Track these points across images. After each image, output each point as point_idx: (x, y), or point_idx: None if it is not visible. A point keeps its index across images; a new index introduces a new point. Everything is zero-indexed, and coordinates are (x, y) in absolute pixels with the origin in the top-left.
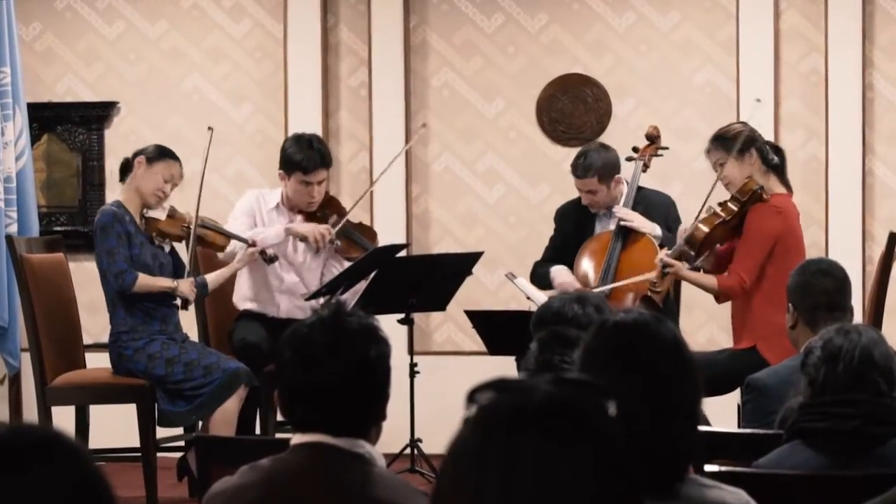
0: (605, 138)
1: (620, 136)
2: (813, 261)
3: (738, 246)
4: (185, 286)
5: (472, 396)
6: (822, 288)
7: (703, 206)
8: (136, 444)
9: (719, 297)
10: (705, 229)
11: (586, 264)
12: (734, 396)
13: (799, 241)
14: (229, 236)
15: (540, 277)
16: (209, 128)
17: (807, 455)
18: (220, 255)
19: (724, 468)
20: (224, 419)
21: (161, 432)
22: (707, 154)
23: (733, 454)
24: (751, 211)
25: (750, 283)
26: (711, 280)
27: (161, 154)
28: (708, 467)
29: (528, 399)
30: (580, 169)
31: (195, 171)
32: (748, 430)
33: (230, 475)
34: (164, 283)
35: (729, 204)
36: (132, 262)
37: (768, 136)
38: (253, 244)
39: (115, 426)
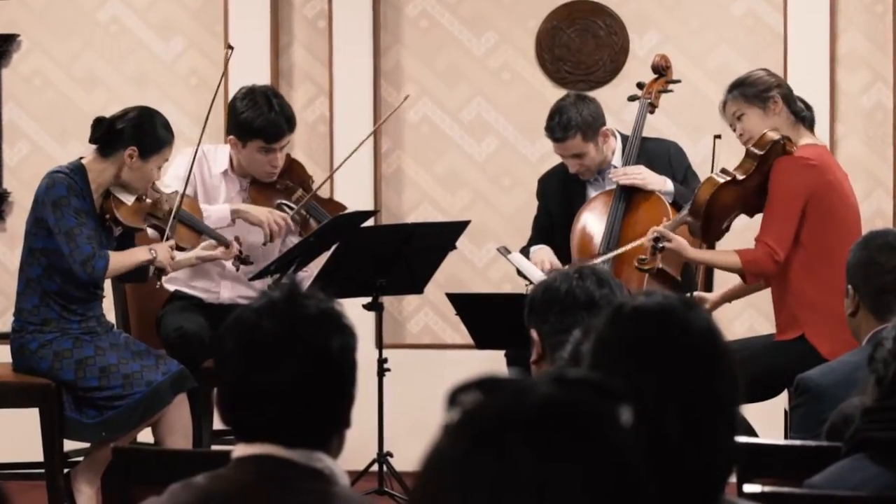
0: (620, 80)
1: (639, 77)
2: (878, 232)
3: (765, 210)
4: (164, 252)
5: (453, 398)
6: (890, 266)
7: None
8: (40, 458)
9: (745, 275)
10: (708, 192)
11: (584, 234)
12: (781, 400)
13: (840, 199)
14: (203, 233)
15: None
16: (229, 46)
17: (872, 471)
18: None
19: (768, 488)
20: (180, 423)
21: (70, 444)
22: (722, 109)
23: (780, 470)
24: (774, 165)
25: (783, 253)
26: (730, 256)
27: (158, 144)
28: (749, 487)
29: (520, 403)
30: (558, 130)
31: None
32: (799, 442)
33: (157, 495)
34: (139, 255)
35: (743, 161)
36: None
37: (822, 78)
38: (228, 246)
39: (13, 436)
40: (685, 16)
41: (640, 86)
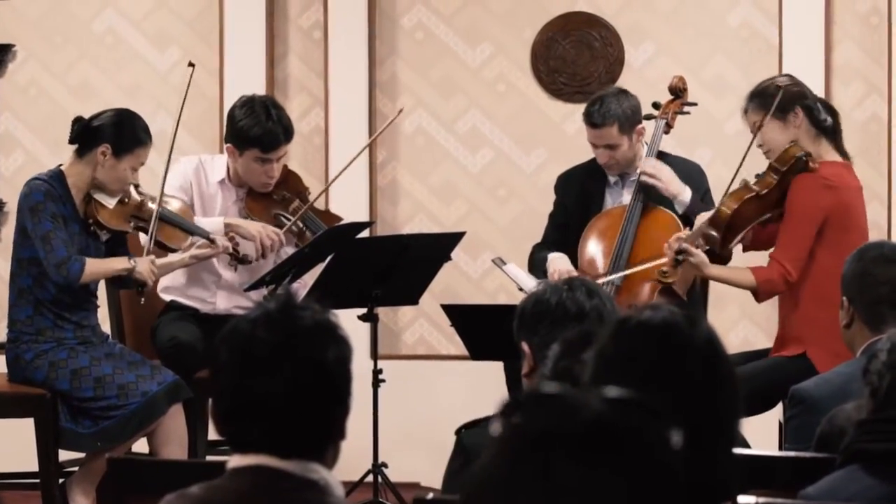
0: None
1: (635, 89)
2: (873, 245)
3: (780, 228)
4: (145, 265)
5: (504, 411)
6: (884, 278)
7: (733, 178)
8: (35, 467)
9: (758, 294)
10: (732, 206)
11: (593, 247)
12: (776, 412)
13: (859, 220)
14: (191, 232)
15: (537, 265)
16: (190, 63)
17: (867, 483)
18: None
19: (762, 499)
20: (176, 433)
21: (65, 455)
22: (744, 115)
23: (775, 482)
24: (793, 183)
25: (797, 274)
26: (745, 274)
27: (131, 143)
28: (743, 498)
29: (569, 419)
30: (597, 116)
31: None
32: (793, 453)
33: None
34: (117, 264)
35: (766, 175)
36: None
37: (817, 89)
38: (213, 241)
39: (8, 446)
40: (680, 27)
41: (656, 106)
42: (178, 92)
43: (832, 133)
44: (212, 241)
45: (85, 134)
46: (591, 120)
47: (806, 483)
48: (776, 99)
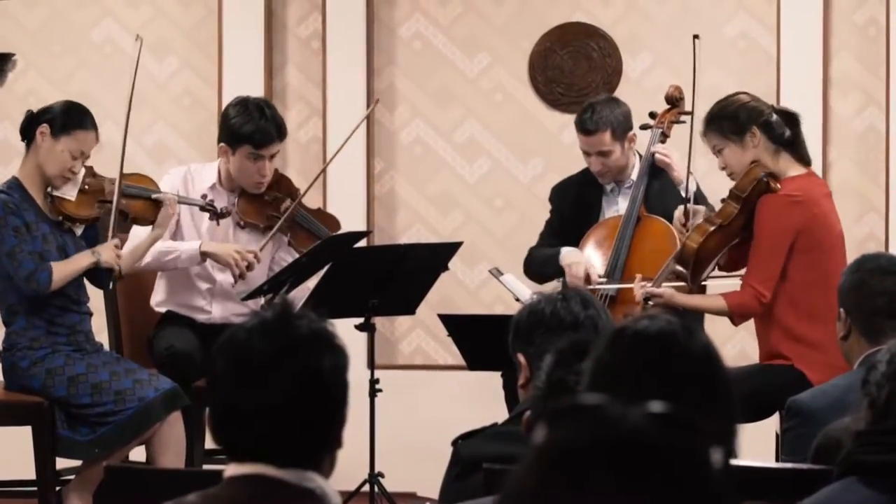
0: None
1: (632, 99)
2: (870, 256)
3: (750, 250)
4: (107, 252)
5: (551, 420)
6: (882, 289)
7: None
8: (32, 475)
9: (734, 318)
10: (698, 240)
11: (590, 256)
12: (772, 423)
13: (832, 228)
14: (153, 198)
15: (542, 262)
16: (138, 36)
17: (864, 495)
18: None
19: None
20: (174, 442)
21: (62, 462)
22: (702, 138)
23: (771, 494)
24: (759, 205)
25: (770, 293)
26: (717, 300)
27: (70, 124)
28: None
29: (609, 432)
30: (590, 123)
31: (110, 139)
32: (790, 465)
33: None
34: (81, 260)
35: (727, 204)
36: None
37: (815, 101)
38: (168, 202)
39: (5, 454)
40: (677, 37)
41: (652, 115)
42: (176, 102)
43: (792, 144)
44: (163, 203)
45: (29, 123)
46: (585, 127)
47: (803, 495)
48: (733, 121)
